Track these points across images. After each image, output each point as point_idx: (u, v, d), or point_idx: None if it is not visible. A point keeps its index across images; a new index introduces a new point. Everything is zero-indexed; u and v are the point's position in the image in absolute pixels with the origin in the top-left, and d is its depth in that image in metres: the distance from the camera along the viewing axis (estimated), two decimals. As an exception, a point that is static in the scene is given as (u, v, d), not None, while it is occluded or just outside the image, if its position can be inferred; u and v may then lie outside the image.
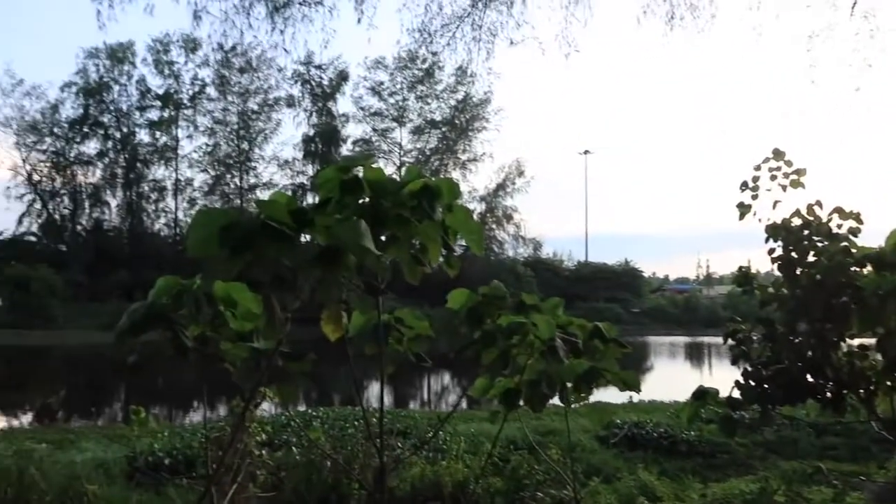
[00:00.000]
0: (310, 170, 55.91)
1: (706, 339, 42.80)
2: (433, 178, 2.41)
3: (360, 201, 2.46)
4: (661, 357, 36.78)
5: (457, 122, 55.96)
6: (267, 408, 7.74)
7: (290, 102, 55.68)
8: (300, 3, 7.12)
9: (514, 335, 2.50)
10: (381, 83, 55.30)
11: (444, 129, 56.19)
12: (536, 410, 2.71)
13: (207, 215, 2.13)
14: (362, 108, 56.17)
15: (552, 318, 2.54)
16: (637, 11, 9.52)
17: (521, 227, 58.92)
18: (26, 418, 18.13)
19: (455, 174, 54.10)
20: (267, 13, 6.99)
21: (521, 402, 2.89)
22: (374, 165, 2.47)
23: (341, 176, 2.42)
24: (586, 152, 65.05)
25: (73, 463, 7.71)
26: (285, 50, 7.90)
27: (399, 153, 55.99)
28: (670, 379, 24.49)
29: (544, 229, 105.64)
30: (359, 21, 7.98)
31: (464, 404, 22.12)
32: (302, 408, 12.46)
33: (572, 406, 2.90)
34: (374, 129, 56.70)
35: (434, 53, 9.17)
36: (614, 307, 49.19)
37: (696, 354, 38.25)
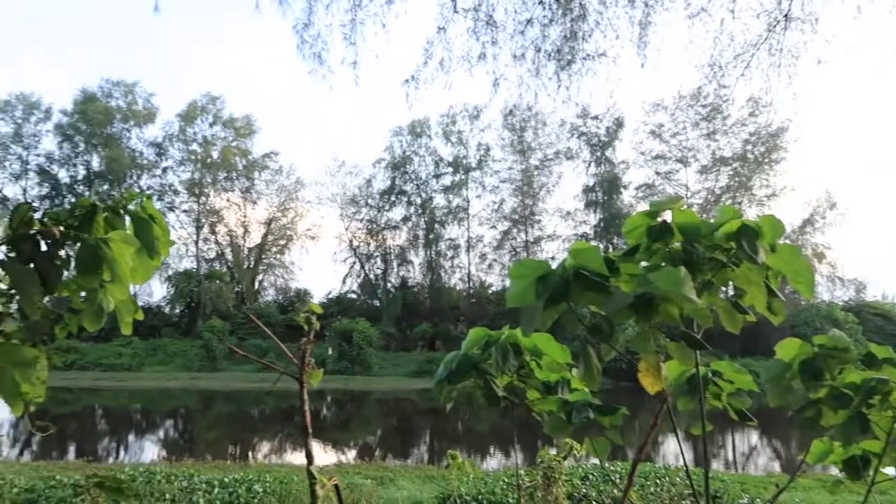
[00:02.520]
0: (592, 219, 56.22)
1: None
2: (756, 218, 2.20)
3: (669, 247, 2.33)
4: None
5: (750, 155, 51.76)
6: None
7: (569, 155, 57.01)
8: (583, 59, 7.28)
9: (874, 394, 2.11)
10: (662, 125, 53.85)
11: (735, 165, 52.36)
12: (911, 486, 2.24)
13: (525, 267, 2.18)
14: (642, 153, 55.18)
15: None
16: None
17: (836, 267, 51.76)
18: (351, 454, 20.61)
19: (751, 212, 49.78)
20: (554, 72, 7.27)
21: (871, 473, 2.43)
22: (683, 208, 2.34)
23: (649, 221, 2.32)
24: (919, 175, 55.18)
25: (395, 500, 8.49)
26: (577, 104, 8.10)
27: (686, 195, 53.44)
28: None
29: (868, 269, 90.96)
30: (642, 66, 7.85)
31: (776, 467, 19.64)
32: (594, 460, 12.18)
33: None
34: (657, 173, 55.15)
35: (725, 87, 8.59)
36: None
37: None
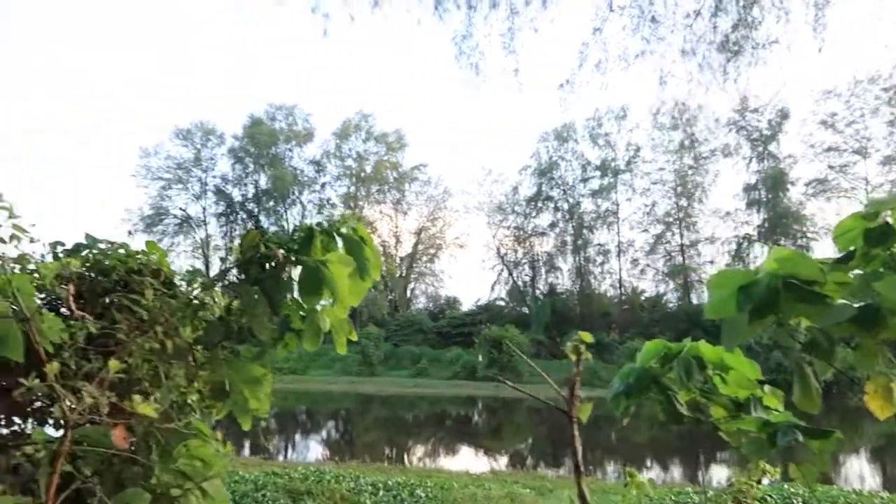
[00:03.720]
0: (755, 219, 52.52)
1: None
2: None
3: (891, 252, 2.07)
4: None
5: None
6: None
7: (727, 152, 53.66)
8: (753, 48, 6.75)
9: None
10: (835, 114, 49.16)
11: (927, 154, 46.60)
12: None
13: (726, 276, 2.03)
14: (812, 146, 50.65)
15: None
16: None
17: None
18: (503, 461, 20.65)
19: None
20: (720, 64, 6.82)
21: None
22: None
23: (866, 224, 2.07)
24: None
25: (558, 511, 8.34)
26: (741, 97, 7.55)
27: (866, 189, 48.36)
28: None
29: None
30: (820, 50, 7.15)
31: None
32: (765, 480, 11.24)
33: None
34: (830, 166, 50.33)
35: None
36: None
37: None
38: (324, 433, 29.21)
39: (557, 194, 58.65)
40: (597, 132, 56.83)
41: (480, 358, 45.58)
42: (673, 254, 55.10)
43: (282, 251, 1.39)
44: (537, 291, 59.64)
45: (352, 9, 7.33)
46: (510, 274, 60.49)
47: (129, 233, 1.57)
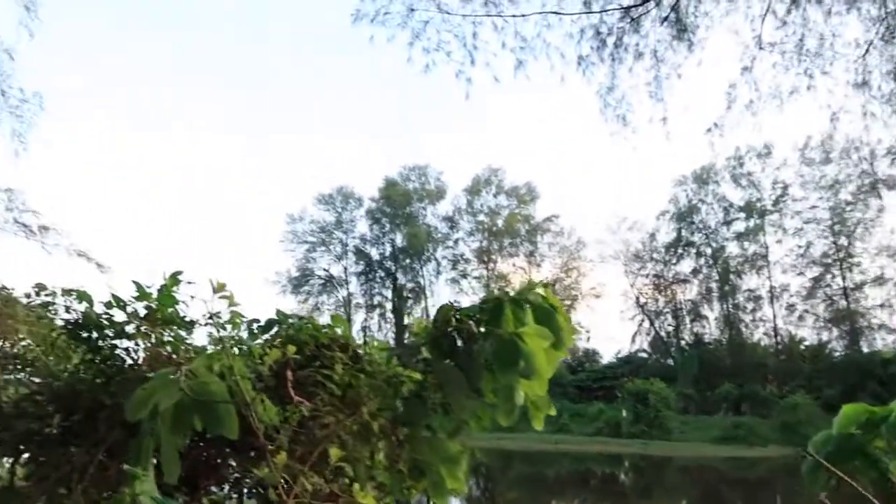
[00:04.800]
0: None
1: None
2: None
3: None
4: None
5: None
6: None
7: (891, 184, 48.82)
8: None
9: None
10: None
11: None
12: None
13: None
14: None
15: None
16: None
17: None
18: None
19: None
20: (892, 92, 6.20)
21: None
22: None
23: None
24: None
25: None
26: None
27: None
28: None
29: None
30: None
31: None
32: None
33: None
34: None
35: None
36: None
37: None
38: (465, 489, 28.95)
39: (699, 239, 56.05)
40: (738, 172, 54.04)
41: (624, 413, 43.49)
42: (835, 298, 50.46)
43: (472, 323, 1.34)
44: (682, 342, 56.64)
45: (495, 71, 7.52)
46: (652, 324, 57.96)
47: (316, 307, 1.61)
